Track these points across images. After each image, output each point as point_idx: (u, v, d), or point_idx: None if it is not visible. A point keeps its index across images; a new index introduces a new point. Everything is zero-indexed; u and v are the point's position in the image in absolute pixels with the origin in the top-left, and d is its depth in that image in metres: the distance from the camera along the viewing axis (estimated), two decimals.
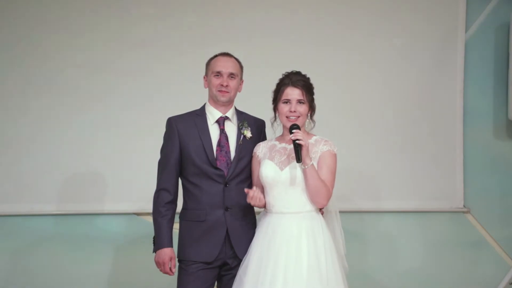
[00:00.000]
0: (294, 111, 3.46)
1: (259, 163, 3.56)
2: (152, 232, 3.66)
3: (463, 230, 5.11)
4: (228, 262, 3.59)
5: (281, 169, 3.46)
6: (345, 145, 4.70)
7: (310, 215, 3.44)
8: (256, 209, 3.64)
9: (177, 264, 3.65)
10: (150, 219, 3.71)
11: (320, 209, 3.54)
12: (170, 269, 3.61)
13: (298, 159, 3.35)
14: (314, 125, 3.57)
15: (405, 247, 5.07)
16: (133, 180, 4.79)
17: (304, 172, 3.38)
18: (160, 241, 3.59)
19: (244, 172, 3.61)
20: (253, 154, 3.63)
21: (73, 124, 4.82)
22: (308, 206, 3.44)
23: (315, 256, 3.34)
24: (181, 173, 3.65)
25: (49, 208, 4.77)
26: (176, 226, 3.65)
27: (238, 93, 3.69)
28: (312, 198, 3.42)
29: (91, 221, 4.82)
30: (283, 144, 3.54)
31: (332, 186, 3.46)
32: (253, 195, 3.40)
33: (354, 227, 4.90)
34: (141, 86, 4.85)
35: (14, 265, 4.78)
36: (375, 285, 5.02)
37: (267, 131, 3.74)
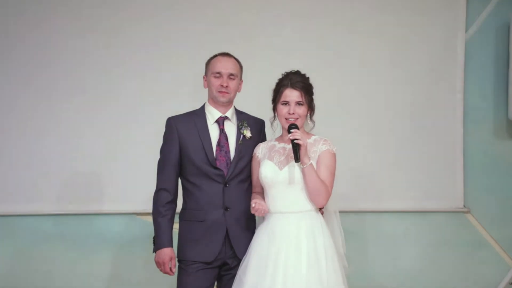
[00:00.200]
0: (293, 113, 3.46)
1: (259, 163, 3.56)
2: (152, 232, 3.66)
3: (463, 230, 5.11)
4: (228, 262, 3.59)
5: (280, 169, 3.46)
6: (345, 145, 4.70)
7: (310, 214, 3.45)
8: None
9: (177, 264, 3.65)
10: (150, 219, 3.71)
11: (320, 209, 3.54)
12: (170, 269, 3.62)
13: (297, 158, 3.36)
14: (313, 125, 3.57)
15: (405, 247, 5.07)
16: (133, 180, 4.78)
17: (303, 171, 3.39)
18: (160, 241, 3.59)
19: (243, 172, 3.62)
20: (253, 155, 3.63)
21: (73, 124, 4.81)
22: (307, 206, 3.44)
23: (315, 256, 3.35)
24: (180, 173, 3.66)
25: (49, 208, 4.77)
26: (176, 226, 3.65)
27: (237, 93, 3.69)
28: (311, 198, 3.42)
29: (91, 221, 4.82)
30: (282, 144, 3.55)
31: (331, 186, 3.46)
32: (257, 207, 3.40)
33: (354, 227, 4.90)
34: (141, 86, 4.85)
35: (14, 265, 4.78)
36: (375, 285, 5.02)
37: (267, 131, 3.74)
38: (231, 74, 3.62)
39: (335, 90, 4.96)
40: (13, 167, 4.76)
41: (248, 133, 3.65)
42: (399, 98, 5.04)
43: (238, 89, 3.69)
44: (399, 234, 5.06)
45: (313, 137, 3.53)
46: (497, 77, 5.15)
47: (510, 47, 5.04)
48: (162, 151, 3.67)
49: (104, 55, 4.84)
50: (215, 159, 3.58)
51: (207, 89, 3.70)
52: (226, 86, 3.61)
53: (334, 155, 3.49)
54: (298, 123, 3.47)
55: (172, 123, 3.64)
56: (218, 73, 3.61)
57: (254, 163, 3.62)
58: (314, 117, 3.59)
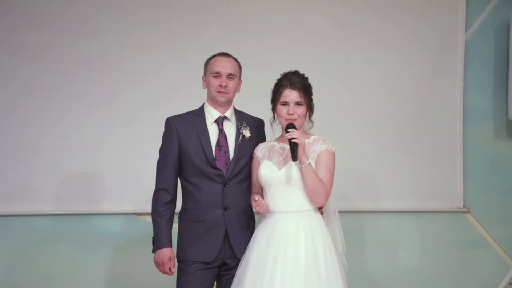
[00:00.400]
0: (292, 114, 3.47)
1: (259, 163, 3.56)
2: (151, 232, 3.66)
3: (463, 230, 5.11)
4: (227, 262, 3.59)
5: (279, 169, 3.47)
6: (345, 145, 4.72)
7: (309, 214, 3.45)
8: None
9: (177, 264, 3.65)
10: (149, 219, 3.71)
11: (320, 209, 3.54)
12: (170, 269, 3.61)
13: (294, 157, 3.36)
14: (312, 125, 3.58)
15: (405, 247, 5.07)
16: (132, 180, 4.79)
17: (301, 171, 3.39)
18: (159, 241, 3.59)
19: (243, 171, 3.61)
20: (253, 155, 3.64)
21: (73, 124, 4.81)
22: (306, 205, 3.45)
23: (313, 255, 3.35)
24: (180, 173, 3.66)
25: (49, 208, 4.77)
26: (175, 226, 3.65)
27: (236, 93, 3.69)
28: (310, 197, 3.43)
29: (90, 221, 4.82)
30: (282, 144, 3.55)
31: (331, 185, 3.46)
32: (260, 202, 3.40)
33: (353, 227, 4.90)
34: (140, 87, 4.85)
35: (13, 265, 4.78)
36: (375, 285, 5.02)
37: (267, 131, 3.74)
38: (230, 74, 3.62)
39: (335, 90, 4.96)
40: (12, 167, 4.76)
41: (247, 133, 3.65)
42: (398, 98, 5.05)
43: (237, 89, 3.68)
44: (399, 234, 5.06)
45: (312, 137, 3.54)
46: (497, 77, 5.15)
47: (510, 47, 5.04)
48: (162, 151, 3.67)
49: (104, 55, 4.84)
50: (215, 159, 3.58)
51: (206, 89, 3.70)
52: (225, 86, 3.60)
53: (333, 154, 3.49)
54: (298, 123, 3.47)
55: (171, 123, 3.64)
56: (217, 73, 3.61)
57: (254, 163, 3.62)
58: (314, 117, 3.59)
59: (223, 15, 4.93)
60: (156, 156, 3.69)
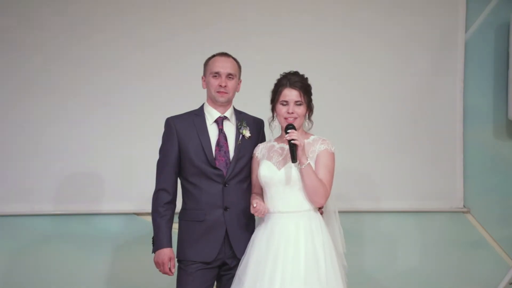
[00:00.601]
0: (292, 113, 3.46)
1: (258, 164, 3.56)
2: (151, 232, 3.66)
3: (463, 230, 5.11)
4: (227, 262, 3.59)
5: (278, 169, 3.47)
6: (345, 145, 4.72)
7: (308, 214, 3.45)
8: None
9: (177, 264, 3.65)
10: (149, 219, 3.71)
11: (320, 209, 3.54)
12: (170, 269, 3.61)
13: (293, 159, 3.36)
14: (312, 125, 3.57)
15: (405, 247, 5.07)
16: (132, 180, 4.79)
17: (301, 171, 3.39)
18: (159, 241, 3.59)
19: (243, 171, 3.61)
20: (252, 155, 3.63)
21: (73, 124, 4.82)
22: (306, 206, 3.44)
23: (313, 255, 3.35)
24: (180, 173, 3.65)
25: (49, 208, 4.78)
26: (175, 226, 3.65)
27: (236, 93, 3.69)
28: (310, 198, 3.43)
29: (90, 221, 4.82)
30: (281, 145, 3.55)
31: (330, 185, 3.46)
32: (258, 208, 3.41)
33: (353, 227, 4.90)
34: (140, 87, 4.86)
35: (14, 265, 4.78)
36: (376, 285, 5.02)
37: (266, 131, 3.74)
38: (230, 74, 3.61)
39: (335, 90, 4.96)
40: (12, 167, 4.77)
41: (247, 133, 3.65)
42: (398, 98, 5.05)
43: (237, 89, 3.68)
44: (399, 234, 5.06)
45: (311, 137, 3.54)
46: (497, 77, 5.15)
47: (510, 47, 5.04)
48: (161, 151, 3.66)
49: (104, 55, 4.85)
50: (215, 159, 3.58)
51: (206, 89, 3.70)
52: (225, 86, 3.60)
53: (332, 154, 3.49)
54: (297, 122, 3.47)
55: (171, 123, 3.64)
56: (217, 73, 3.61)
57: (253, 164, 3.62)
58: (313, 117, 3.58)
59: (223, 15, 4.93)
60: (156, 156, 3.69)
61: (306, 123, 3.56)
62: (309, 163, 3.39)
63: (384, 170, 5.02)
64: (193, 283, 3.57)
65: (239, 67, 3.68)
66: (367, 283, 4.97)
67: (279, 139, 3.61)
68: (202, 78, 3.70)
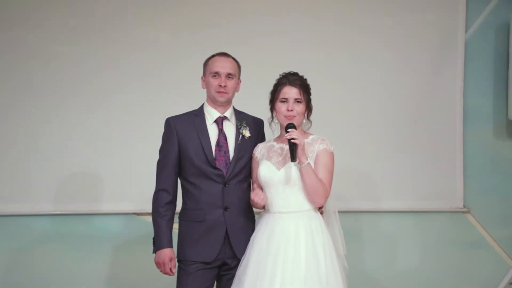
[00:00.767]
0: (292, 110, 3.47)
1: (258, 164, 3.56)
2: (151, 232, 3.66)
3: (463, 230, 5.11)
4: (228, 262, 3.59)
5: (278, 169, 3.47)
6: (346, 145, 4.73)
7: (308, 214, 3.45)
8: (255, 209, 3.64)
9: (177, 264, 3.65)
10: (149, 219, 3.71)
11: (319, 209, 3.54)
12: (170, 269, 3.61)
13: (293, 158, 3.37)
14: (311, 125, 3.58)
15: (405, 247, 5.07)
16: (132, 180, 4.80)
17: (300, 171, 3.39)
18: (159, 241, 3.59)
19: (243, 171, 3.61)
20: (252, 155, 3.63)
21: (73, 124, 4.82)
22: (306, 206, 3.45)
23: (313, 255, 3.35)
24: (180, 173, 3.65)
25: (49, 208, 4.78)
26: (175, 226, 3.65)
27: (236, 92, 3.69)
28: (310, 197, 3.43)
29: (90, 221, 4.82)
30: (281, 144, 3.55)
31: (330, 185, 3.46)
32: (258, 192, 3.43)
33: (353, 227, 4.90)
34: (140, 87, 4.86)
35: (14, 265, 4.78)
36: (376, 285, 5.02)
37: (266, 131, 3.74)
38: (229, 74, 3.61)
39: (335, 90, 4.96)
40: (12, 167, 4.77)
41: (247, 133, 3.64)
42: (398, 98, 5.04)
43: (236, 88, 3.68)
44: (399, 234, 5.06)
45: (311, 137, 3.54)
46: (497, 77, 5.15)
47: (510, 47, 5.04)
48: (161, 151, 3.66)
49: (103, 55, 4.85)
50: (214, 159, 3.58)
51: (205, 89, 3.70)
52: (224, 86, 3.60)
53: (332, 154, 3.49)
54: (296, 120, 3.47)
55: (171, 123, 3.64)
56: (216, 73, 3.61)
57: (253, 164, 3.62)
58: (313, 117, 3.58)
59: (223, 15, 4.93)
60: (156, 156, 3.69)
61: (305, 123, 3.56)
62: (308, 163, 3.39)
63: (384, 170, 5.02)
64: (193, 283, 3.56)
65: (239, 67, 3.68)
66: (367, 283, 4.97)
67: (278, 139, 3.61)
68: (202, 78, 3.70)
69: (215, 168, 3.58)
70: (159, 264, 3.61)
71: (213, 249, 3.56)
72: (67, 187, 4.79)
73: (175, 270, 3.62)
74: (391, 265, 5.05)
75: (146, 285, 4.77)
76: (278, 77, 3.56)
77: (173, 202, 3.64)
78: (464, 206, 5.11)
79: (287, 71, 3.57)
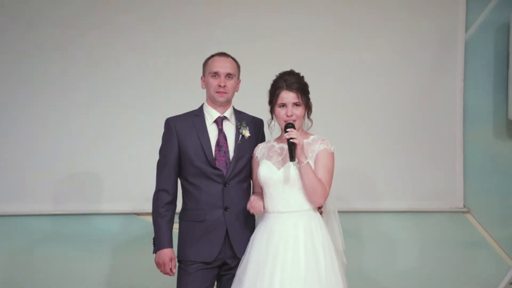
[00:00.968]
0: (291, 115, 3.46)
1: (258, 164, 3.56)
2: (151, 232, 3.66)
3: (463, 230, 5.11)
4: (228, 262, 3.59)
5: (278, 169, 3.47)
6: (346, 145, 4.73)
7: (308, 214, 3.44)
8: None
9: (177, 264, 3.65)
10: (149, 219, 3.71)
11: (319, 209, 3.54)
12: (171, 269, 3.61)
13: (292, 157, 3.36)
14: (311, 125, 3.57)
15: (405, 247, 5.07)
16: (132, 180, 4.79)
17: (299, 170, 3.39)
18: (160, 242, 3.59)
19: (243, 171, 3.61)
20: (253, 155, 3.63)
21: (73, 124, 4.82)
22: (305, 205, 3.44)
23: (313, 254, 3.34)
24: (180, 173, 3.65)
25: (48, 208, 4.78)
26: (176, 227, 3.65)
27: (236, 92, 3.69)
28: (309, 197, 3.42)
29: (90, 221, 4.82)
30: (281, 145, 3.55)
31: (329, 185, 3.46)
32: (254, 204, 3.42)
33: (354, 227, 4.91)
34: (140, 87, 4.86)
35: (14, 265, 4.78)
36: (376, 285, 5.02)
37: (265, 131, 3.74)
38: (229, 74, 3.61)
39: (335, 90, 4.97)
40: (11, 167, 4.77)
41: (246, 133, 3.64)
42: (398, 98, 5.05)
43: (236, 88, 3.68)
44: (398, 234, 5.07)
45: (311, 137, 3.53)
46: (497, 77, 5.15)
47: (510, 47, 5.04)
48: (161, 151, 3.66)
49: (103, 54, 4.85)
50: (214, 159, 3.58)
51: (205, 89, 3.70)
52: (224, 86, 3.60)
53: (332, 154, 3.49)
54: (297, 124, 3.47)
55: (171, 124, 3.64)
56: (216, 73, 3.60)
57: (253, 164, 3.62)
58: (313, 117, 3.58)
59: (223, 15, 4.93)
60: (155, 156, 3.69)
61: (306, 123, 3.56)
62: (308, 162, 3.38)
63: (384, 170, 5.02)
64: (193, 283, 3.57)
65: (238, 66, 3.68)
66: (367, 283, 4.97)
67: (278, 139, 3.61)
68: (201, 78, 3.70)
69: (215, 168, 3.57)
70: (159, 264, 3.61)
71: (213, 249, 3.56)
72: (67, 187, 4.79)
73: (175, 270, 3.62)
74: (391, 265, 5.05)
75: (146, 285, 4.77)
76: (275, 75, 3.55)
77: (173, 202, 3.64)
78: (464, 206, 5.11)
79: (283, 70, 3.55)
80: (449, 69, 5.09)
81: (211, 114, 3.66)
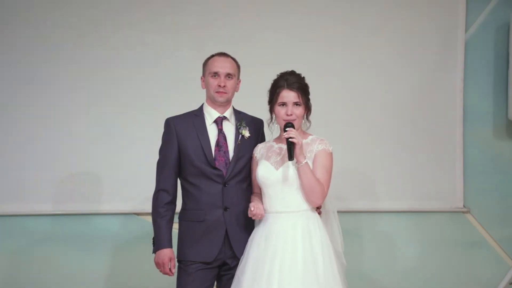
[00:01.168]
0: (291, 115, 3.46)
1: (257, 164, 3.56)
2: (151, 232, 3.66)
3: (463, 230, 5.11)
4: (228, 262, 3.59)
5: (276, 169, 3.47)
6: (345, 145, 4.73)
7: (306, 214, 3.44)
8: None
9: (177, 264, 3.65)
10: (149, 219, 3.71)
11: (318, 209, 3.54)
12: (170, 269, 3.61)
13: (290, 157, 3.36)
14: (310, 125, 3.57)
15: (405, 247, 5.07)
16: (132, 180, 4.79)
17: (298, 170, 3.39)
18: (159, 242, 3.59)
19: (243, 171, 3.61)
20: (252, 156, 3.63)
21: (73, 124, 4.82)
22: (303, 205, 3.44)
23: (311, 254, 3.34)
24: (180, 173, 3.65)
25: (48, 208, 4.78)
26: (175, 227, 3.65)
27: (236, 92, 3.69)
28: (307, 197, 3.42)
29: (90, 221, 4.82)
30: (280, 145, 3.55)
31: (328, 185, 3.46)
32: (255, 212, 3.42)
33: (353, 227, 4.91)
34: (140, 87, 4.86)
35: (14, 265, 4.78)
36: (376, 285, 5.02)
37: (265, 131, 3.74)
38: (229, 74, 3.61)
39: (335, 90, 4.97)
40: (11, 167, 4.77)
41: (246, 133, 3.64)
42: (398, 98, 5.05)
43: (236, 88, 3.68)
44: (399, 234, 5.07)
45: (310, 137, 3.53)
46: (497, 77, 5.15)
47: (510, 47, 5.04)
48: (161, 152, 3.66)
49: (103, 55, 4.85)
50: (214, 159, 3.58)
51: (205, 89, 3.70)
52: (224, 86, 3.60)
53: (330, 154, 3.49)
54: (296, 123, 3.47)
55: (171, 124, 3.64)
56: (215, 73, 3.60)
57: (253, 164, 3.62)
58: (313, 117, 3.58)
59: (222, 15, 4.93)
60: (155, 156, 3.69)
61: (304, 123, 3.56)
62: (306, 162, 3.38)
63: (384, 170, 5.03)
64: (193, 283, 3.56)
65: (238, 66, 3.68)
66: (367, 283, 4.97)
67: (277, 139, 3.61)
68: (201, 78, 3.70)
69: (215, 168, 3.57)
70: (158, 264, 3.61)
71: (213, 249, 3.56)
72: (66, 187, 4.79)
73: (174, 270, 3.62)
74: (391, 265, 5.05)
75: (146, 285, 4.77)
76: (276, 75, 3.55)
77: (173, 202, 3.64)
78: (464, 206, 5.11)
79: (284, 70, 3.56)
80: (449, 69, 5.09)
81: (211, 114, 3.66)
